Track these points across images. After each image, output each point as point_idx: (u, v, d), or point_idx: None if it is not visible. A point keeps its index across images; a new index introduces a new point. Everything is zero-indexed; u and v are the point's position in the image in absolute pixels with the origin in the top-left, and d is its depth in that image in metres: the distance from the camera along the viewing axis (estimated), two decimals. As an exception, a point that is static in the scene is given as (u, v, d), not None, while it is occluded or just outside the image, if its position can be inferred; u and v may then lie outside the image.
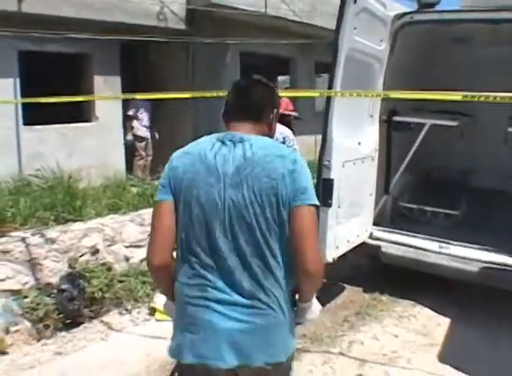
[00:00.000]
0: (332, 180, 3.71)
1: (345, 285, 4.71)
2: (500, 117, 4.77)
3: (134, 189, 6.44)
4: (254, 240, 1.61)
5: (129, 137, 8.06)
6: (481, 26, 4.20)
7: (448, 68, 5.02)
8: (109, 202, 5.58)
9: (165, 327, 3.97)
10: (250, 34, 8.34)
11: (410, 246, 4.30)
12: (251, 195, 1.60)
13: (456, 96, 3.05)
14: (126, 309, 4.22)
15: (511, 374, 3.33)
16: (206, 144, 1.71)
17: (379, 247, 4.32)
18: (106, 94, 7.16)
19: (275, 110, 1.85)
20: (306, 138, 8.50)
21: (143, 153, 8.15)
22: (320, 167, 3.77)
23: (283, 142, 4.11)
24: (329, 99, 3.70)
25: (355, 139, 4.07)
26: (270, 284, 1.63)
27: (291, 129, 4.62)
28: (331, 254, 3.81)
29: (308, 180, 1.67)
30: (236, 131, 1.74)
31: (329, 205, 3.69)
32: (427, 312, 4.22)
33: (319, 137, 3.81)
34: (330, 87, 3.65)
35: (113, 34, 6.74)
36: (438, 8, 4.14)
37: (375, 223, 4.60)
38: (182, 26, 7.53)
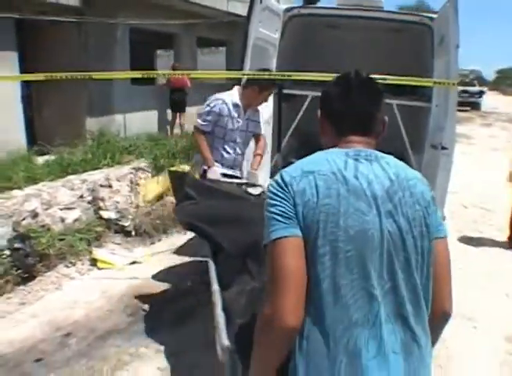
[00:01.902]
0: None
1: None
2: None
3: (40, 160, 6.68)
4: (411, 281, 1.33)
5: None
6: (351, 20, 5.36)
7: (323, 51, 6.16)
8: (27, 174, 5.89)
9: (109, 272, 4.73)
10: (139, 11, 8.82)
11: None
12: (406, 225, 1.33)
13: (329, 78, 4.19)
14: (71, 262, 4.78)
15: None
16: (336, 161, 1.38)
17: None
18: (3, 70, 7.13)
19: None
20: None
21: None
22: None
23: None
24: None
25: None
26: (423, 340, 1.35)
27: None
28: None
29: None
30: (358, 146, 1.46)
31: None
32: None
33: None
34: (242, 67, 4.57)
35: (6, 8, 6.69)
36: (319, 4, 5.24)
37: (271, 176, 5.47)
38: (75, 2, 7.73)
